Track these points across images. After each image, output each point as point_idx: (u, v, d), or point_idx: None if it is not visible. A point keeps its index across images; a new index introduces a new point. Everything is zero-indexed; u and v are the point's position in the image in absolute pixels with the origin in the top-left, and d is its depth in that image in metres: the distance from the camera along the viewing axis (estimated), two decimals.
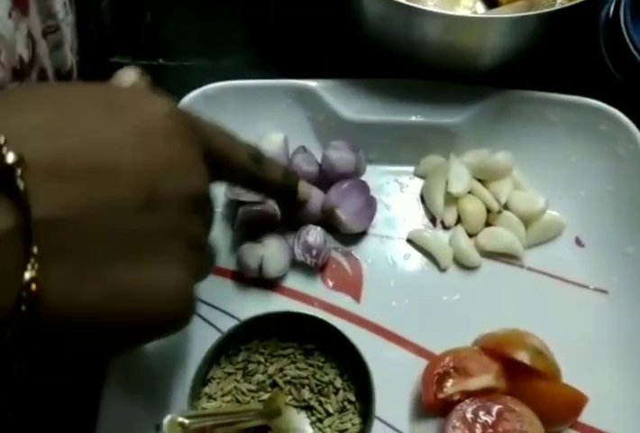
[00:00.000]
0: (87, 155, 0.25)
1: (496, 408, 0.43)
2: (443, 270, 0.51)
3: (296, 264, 0.50)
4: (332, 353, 0.43)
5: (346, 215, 0.49)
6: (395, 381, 0.46)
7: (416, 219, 0.53)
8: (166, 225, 0.27)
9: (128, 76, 0.36)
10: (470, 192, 0.53)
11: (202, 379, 0.41)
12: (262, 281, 0.49)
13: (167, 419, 0.35)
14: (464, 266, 0.51)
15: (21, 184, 0.22)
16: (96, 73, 0.57)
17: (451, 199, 0.52)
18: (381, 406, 0.45)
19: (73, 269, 0.24)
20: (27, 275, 0.22)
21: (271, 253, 0.48)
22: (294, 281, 0.50)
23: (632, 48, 0.57)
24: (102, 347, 0.30)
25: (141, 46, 0.60)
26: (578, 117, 0.52)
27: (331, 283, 0.51)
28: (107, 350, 0.33)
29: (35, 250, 0.22)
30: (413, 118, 0.53)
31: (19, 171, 0.22)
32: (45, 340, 0.25)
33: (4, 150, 0.22)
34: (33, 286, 0.22)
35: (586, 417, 0.45)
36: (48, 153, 0.24)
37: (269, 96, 0.53)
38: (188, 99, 0.51)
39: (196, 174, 0.30)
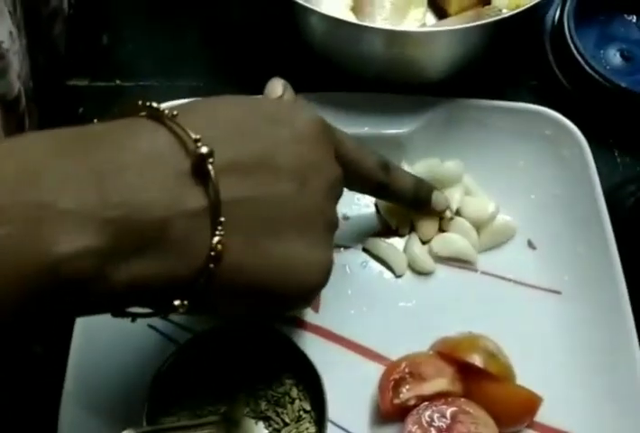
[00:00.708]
0: (256, 156, 0.32)
1: (450, 411, 0.44)
2: (398, 276, 0.52)
3: None
4: (287, 362, 0.44)
5: None
6: (354, 388, 0.47)
7: (371, 229, 0.54)
8: (313, 208, 0.34)
9: (277, 88, 0.43)
10: None
11: (158, 394, 0.42)
12: None
13: None
14: (419, 272, 0.52)
15: (212, 171, 0.29)
16: (53, 96, 0.58)
17: (404, 208, 0.53)
18: (340, 413, 0.46)
19: (247, 239, 0.31)
20: (215, 239, 0.29)
21: None
22: None
23: (576, 54, 0.59)
24: (258, 309, 0.36)
25: (98, 68, 0.61)
26: (524, 123, 0.54)
27: None
28: (262, 312, 0.39)
29: (222, 220, 0.29)
30: (364, 130, 0.54)
31: (210, 160, 0.29)
32: (217, 297, 0.32)
33: (199, 144, 0.29)
34: (219, 247, 0.29)
35: (543, 416, 0.47)
36: (228, 153, 0.31)
37: None
38: None
39: (334, 169, 0.37)
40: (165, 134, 0.30)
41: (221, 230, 0.29)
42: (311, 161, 0.34)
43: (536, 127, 0.54)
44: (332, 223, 0.38)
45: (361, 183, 0.45)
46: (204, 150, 0.29)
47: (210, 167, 0.29)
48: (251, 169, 0.32)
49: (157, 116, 0.31)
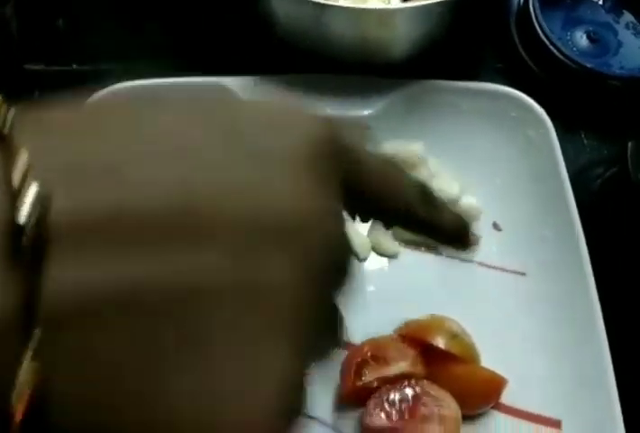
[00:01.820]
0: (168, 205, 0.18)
1: (413, 393, 0.43)
2: (362, 260, 0.52)
3: None
4: None
5: None
6: (318, 374, 0.46)
7: None
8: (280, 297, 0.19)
9: None
10: None
11: None
12: None
13: None
14: (383, 256, 0.52)
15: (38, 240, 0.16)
16: (10, 81, 0.57)
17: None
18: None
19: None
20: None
21: None
22: None
23: (542, 36, 0.59)
24: None
25: (53, 52, 0.59)
26: (488, 104, 0.53)
27: None
28: None
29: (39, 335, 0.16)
30: (326, 112, 0.53)
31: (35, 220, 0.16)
32: None
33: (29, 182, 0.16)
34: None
35: (508, 398, 0.46)
36: (74, 202, 0.17)
37: (182, 95, 0.53)
38: (94, 99, 0.50)
39: (331, 224, 0.22)
40: None
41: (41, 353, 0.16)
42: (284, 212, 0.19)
43: (502, 109, 0.53)
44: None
45: (392, 219, 0.31)
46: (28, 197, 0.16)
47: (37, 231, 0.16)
48: (127, 234, 0.17)
49: None
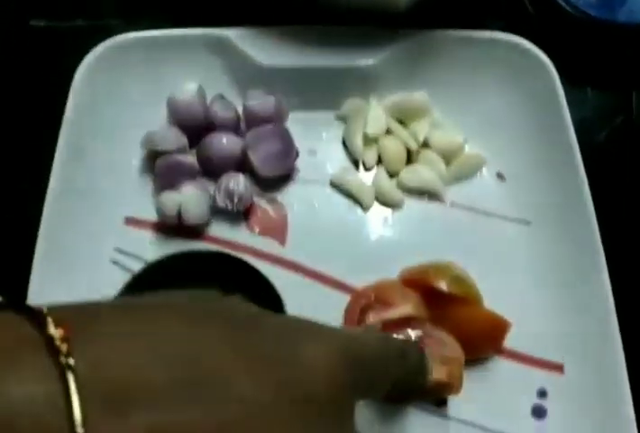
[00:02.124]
0: None
1: (415, 334, 0.43)
2: (366, 209, 0.52)
3: (219, 212, 0.51)
4: (252, 294, 0.43)
5: (257, 158, 0.50)
6: (321, 317, 0.46)
7: (339, 162, 0.54)
8: None
9: None
10: (389, 133, 0.53)
11: None
12: (186, 230, 0.50)
13: None
14: (387, 205, 0.52)
15: None
16: (17, 37, 0.57)
17: (370, 141, 0.52)
18: None
19: None
20: None
21: (189, 199, 0.48)
22: (218, 229, 0.50)
23: None
24: None
25: (57, 8, 0.59)
26: (491, 53, 0.53)
27: (257, 229, 0.51)
28: None
29: None
30: (329, 62, 0.53)
31: None
32: None
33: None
34: None
35: (511, 343, 0.46)
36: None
37: (183, 47, 0.53)
38: (97, 52, 0.51)
39: None
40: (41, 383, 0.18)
41: None
42: None
43: (505, 57, 0.53)
44: None
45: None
46: None
47: None
48: None
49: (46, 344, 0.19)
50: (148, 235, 0.50)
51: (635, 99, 0.52)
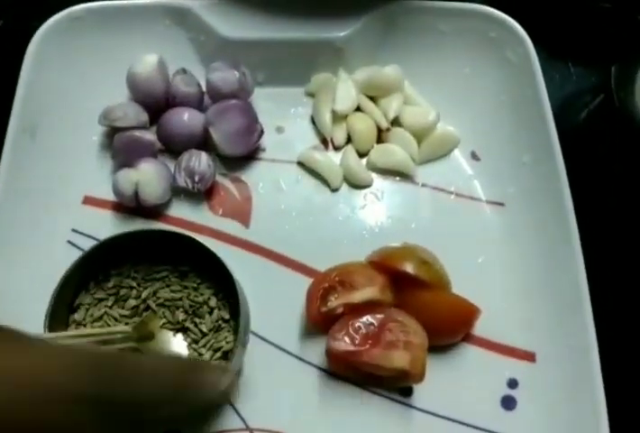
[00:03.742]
0: None
1: (379, 319, 0.42)
2: (334, 190, 0.50)
3: (180, 192, 0.49)
4: (207, 273, 0.41)
5: (220, 135, 0.47)
6: (285, 303, 0.45)
7: (307, 141, 0.52)
8: None
9: None
10: (360, 109, 0.51)
11: (67, 304, 0.39)
12: (145, 211, 0.48)
13: None
14: (356, 186, 0.50)
15: None
16: None
17: (339, 118, 0.50)
18: (270, 328, 0.44)
19: None
20: None
21: (147, 178, 0.45)
22: (179, 210, 0.48)
23: None
24: None
25: None
26: (467, 25, 0.51)
27: (219, 210, 0.49)
28: None
29: None
30: (297, 34, 0.50)
31: None
32: None
33: None
34: None
35: (481, 330, 0.45)
36: None
37: (144, 17, 0.50)
38: (53, 22, 0.48)
39: None
40: None
41: None
42: None
43: (481, 29, 0.50)
44: None
45: None
46: None
47: None
48: None
49: None
50: (106, 215, 0.48)
51: (613, 72, 0.49)
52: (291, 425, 0.42)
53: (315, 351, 0.44)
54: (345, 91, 0.50)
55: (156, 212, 0.48)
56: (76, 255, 0.45)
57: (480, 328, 0.45)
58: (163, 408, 0.29)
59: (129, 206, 0.47)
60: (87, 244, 0.46)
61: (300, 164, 0.51)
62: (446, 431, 0.42)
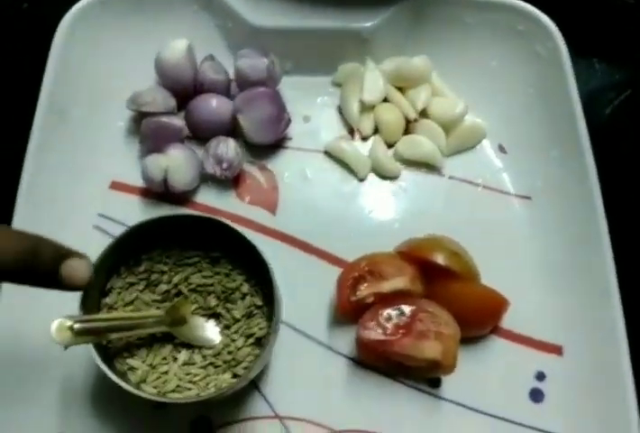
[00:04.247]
0: None
1: (410, 309, 0.41)
2: (361, 180, 0.50)
3: (207, 179, 0.48)
4: (239, 260, 0.41)
5: (248, 122, 0.47)
6: (312, 291, 0.45)
7: (333, 131, 0.51)
8: None
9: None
10: (387, 100, 0.51)
11: (99, 288, 0.39)
12: (172, 197, 0.47)
13: (55, 323, 0.33)
14: (383, 176, 0.50)
15: None
16: None
17: (366, 108, 0.50)
18: (297, 317, 0.44)
19: None
20: None
21: (176, 164, 0.45)
22: (206, 197, 0.48)
23: None
24: None
25: None
26: (495, 18, 0.51)
27: (246, 198, 0.48)
28: None
29: None
30: (325, 23, 0.50)
31: None
32: None
33: None
34: None
35: (508, 322, 0.45)
36: None
37: (172, 2, 0.50)
38: (83, 5, 0.48)
39: None
40: None
41: None
42: None
43: (509, 22, 0.50)
44: None
45: None
46: None
47: None
48: None
49: None
50: (133, 201, 0.48)
51: None
52: (319, 413, 0.42)
53: (344, 340, 0.44)
54: (373, 81, 0.50)
55: (183, 198, 0.48)
56: (103, 240, 0.46)
57: (507, 321, 0.45)
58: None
59: (157, 191, 0.47)
60: (114, 229, 0.46)
61: (327, 154, 0.50)
62: (474, 423, 0.42)
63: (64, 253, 0.32)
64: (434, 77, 0.51)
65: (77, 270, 0.32)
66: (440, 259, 0.43)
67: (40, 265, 0.31)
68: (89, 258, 0.34)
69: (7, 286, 0.41)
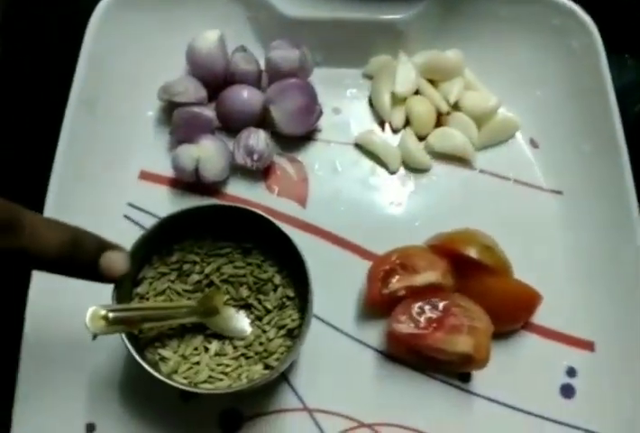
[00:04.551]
0: None
1: (443, 303, 0.41)
2: (391, 173, 0.49)
3: (237, 170, 0.48)
4: (271, 251, 0.41)
5: (280, 113, 0.47)
6: (341, 284, 0.45)
7: (364, 123, 0.51)
8: None
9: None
10: (418, 93, 0.50)
11: (131, 277, 0.39)
12: (201, 188, 0.47)
13: (89, 312, 0.33)
14: (414, 169, 0.49)
15: None
16: None
17: (398, 100, 0.50)
18: (326, 309, 0.44)
19: None
20: None
21: (208, 154, 0.45)
22: (235, 188, 0.48)
23: None
24: None
25: None
26: (530, 12, 0.50)
27: (276, 190, 0.48)
28: None
29: None
30: (358, 15, 0.50)
31: None
32: None
33: None
34: None
35: (539, 317, 0.44)
36: None
37: None
38: None
39: None
40: None
41: None
42: None
43: (544, 16, 0.50)
44: None
45: None
46: None
47: None
48: None
49: None
50: (162, 191, 0.47)
51: None
52: (348, 406, 0.42)
53: (373, 333, 0.43)
54: (405, 74, 0.49)
55: (213, 189, 0.47)
56: (132, 230, 0.46)
57: (538, 316, 0.44)
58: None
59: (188, 181, 0.46)
60: (144, 219, 0.46)
61: (357, 146, 0.50)
62: (504, 418, 0.42)
63: (104, 245, 0.32)
64: (467, 70, 0.51)
65: (116, 262, 0.32)
66: (473, 253, 0.42)
67: (80, 256, 0.31)
68: (126, 250, 0.34)
69: (38, 275, 0.41)
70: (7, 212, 0.29)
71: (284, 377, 0.42)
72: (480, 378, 0.43)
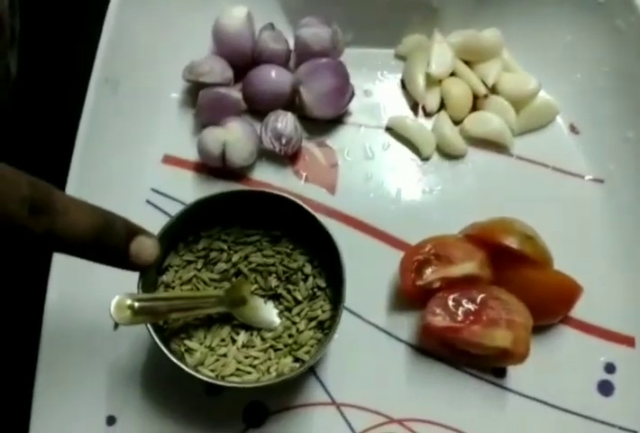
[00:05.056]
0: None
1: (480, 296, 0.39)
2: (425, 159, 0.47)
3: (264, 155, 0.46)
4: (301, 239, 0.39)
5: (310, 95, 0.45)
6: (370, 274, 0.43)
7: (396, 106, 0.49)
8: None
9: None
10: (454, 74, 0.48)
11: (156, 266, 0.37)
12: (227, 173, 0.45)
13: (114, 301, 0.31)
14: (449, 155, 0.47)
15: None
16: None
17: (433, 82, 0.48)
18: (356, 300, 0.42)
19: None
20: None
21: (235, 137, 0.43)
22: (262, 173, 0.46)
23: None
24: None
25: None
26: None
27: (304, 176, 0.46)
28: None
29: None
30: None
31: None
32: None
33: None
34: None
35: (578, 311, 0.42)
36: None
37: None
38: None
39: None
40: None
41: None
42: None
43: None
44: None
45: None
46: None
47: None
48: None
49: None
50: (186, 176, 0.46)
51: None
52: (377, 401, 0.40)
53: (404, 326, 0.42)
54: (441, 54, 0.47)
55: (237, 174, 0.46)
56: (155, 215, 0.44)
57: (577, 310, 0.42)
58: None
59: (212, 166, 0.45)
60: (166, 205, 0.45)
61: (389, 130, 0.48)
62: (539, 415, 0.40)
63: (135, 230, 0.31)
64: (505, 50, 0.48)
65: (148, 248, 0.31)
66: (514, 243, 0.40)
67: (111, 241, 0.29)
68: (156, 237, 0.32)
69: (58, 261, 0.40)
70: (42, 193, 0.27)
71: (311, 370, 0.41)
72: (514, 373, 0.41)
